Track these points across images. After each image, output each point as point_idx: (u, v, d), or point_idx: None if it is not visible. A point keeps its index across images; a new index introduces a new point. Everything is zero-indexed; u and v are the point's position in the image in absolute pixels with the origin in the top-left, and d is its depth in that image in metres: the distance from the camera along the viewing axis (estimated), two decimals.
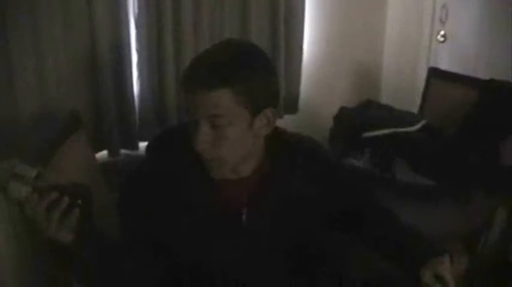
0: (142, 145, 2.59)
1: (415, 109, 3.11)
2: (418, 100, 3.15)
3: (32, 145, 1.86)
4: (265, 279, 1.48)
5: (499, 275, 2.66)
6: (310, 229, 1.52)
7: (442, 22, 3.21)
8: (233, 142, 1.33)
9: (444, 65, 3.18)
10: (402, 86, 3.43)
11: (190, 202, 1.39)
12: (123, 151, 2.59)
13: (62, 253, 1.30)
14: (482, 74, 2.86)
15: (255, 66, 1.33)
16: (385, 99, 3.38)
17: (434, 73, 3.13)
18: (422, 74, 3.21)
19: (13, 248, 1.59)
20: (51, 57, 2.24)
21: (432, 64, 3.22)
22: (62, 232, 1.25)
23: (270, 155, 1.46)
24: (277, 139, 1.46)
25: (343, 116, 2.90)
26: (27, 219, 1.26)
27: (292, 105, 3.10)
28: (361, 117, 2.84)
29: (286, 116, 3.03)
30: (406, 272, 1.49)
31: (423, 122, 2.71)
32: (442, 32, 3.24)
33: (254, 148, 1.41)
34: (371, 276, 1.74)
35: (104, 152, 2.53)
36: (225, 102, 1.28)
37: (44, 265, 1.58)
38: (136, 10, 2.47)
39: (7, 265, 1.59)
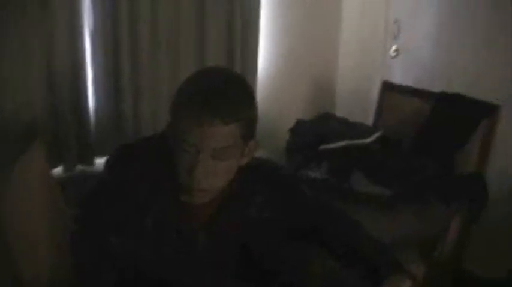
0: (98, 161, 2.56)
1: (370, 122, 3.16)
2: (372, 113, 3.20)
3: None
4: None
5: (454, 282, 2.71)
6: (268, 247, 1.55)
7: (395, 37, 3.27)
8: (228, 173, 1.35)
9: (398, 78, 3.23)
10: (357, 99, 3.48)
11: (153, 221, 1.39)
12: (78, 167, 2.55)
13: None
14: (439, 86, 2.91)
15: (254, 100, 1.35)
16: (340, 112, 3.42)
17: (387, 87, 3.19)
18: (376, 88, 3.26)
19: None
20: (7, 69, 2.21)
21: (386, 78, 3.27)
22: None
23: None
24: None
25: (299, 129, 2.93)
26: None
27: None
28: (317, 130, 2.87)
29: None
30: (365, 283, 1.51)
31: (378, 134, 2.75)
32: (394, 47, 3.29)
33: None
34: (330, 285, 1.75)
35: (59, 168, 2.49)
36: (235, 135, 1.28)
37: None
38: (91, 23, 2.45)
39: None
